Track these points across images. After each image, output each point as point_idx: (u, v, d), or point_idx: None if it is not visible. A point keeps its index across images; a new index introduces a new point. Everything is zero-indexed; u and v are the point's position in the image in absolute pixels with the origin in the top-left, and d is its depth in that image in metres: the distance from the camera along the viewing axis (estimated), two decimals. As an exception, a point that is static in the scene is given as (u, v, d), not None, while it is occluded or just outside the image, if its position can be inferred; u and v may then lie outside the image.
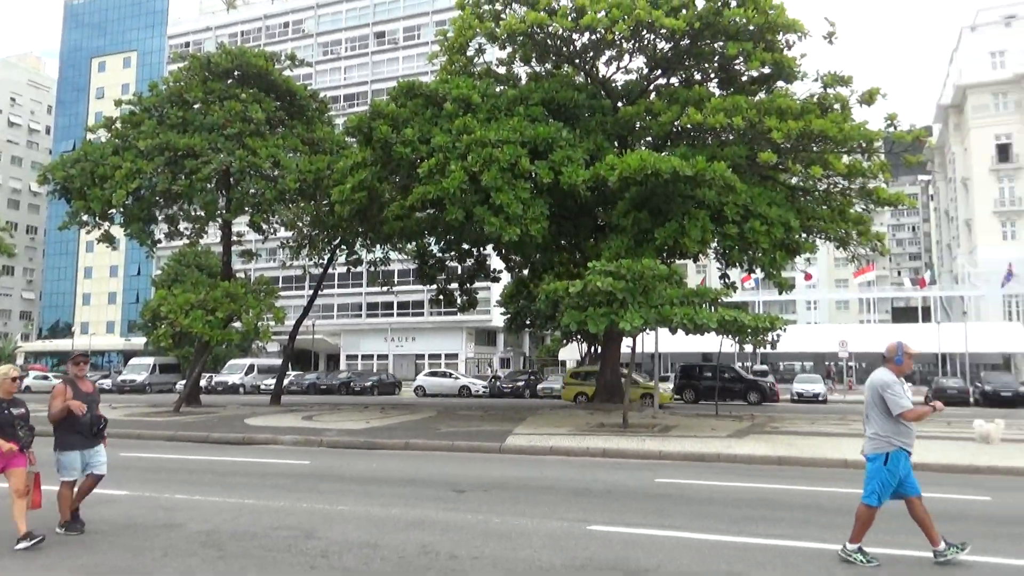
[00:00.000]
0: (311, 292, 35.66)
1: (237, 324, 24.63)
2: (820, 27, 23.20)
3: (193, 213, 29.59)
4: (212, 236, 34.16)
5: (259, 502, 9.28)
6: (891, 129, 22.33)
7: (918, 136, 22.14)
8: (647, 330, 18.33)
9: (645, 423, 19.51)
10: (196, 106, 27.51)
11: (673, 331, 17.46)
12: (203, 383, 36.98)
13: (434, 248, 30.23)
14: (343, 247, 31.61)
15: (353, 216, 23.22)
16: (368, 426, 19.50)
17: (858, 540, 6.57)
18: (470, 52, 26.38)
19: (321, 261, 34.32)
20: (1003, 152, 57.89)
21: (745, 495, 10.19)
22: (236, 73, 28.77)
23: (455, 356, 66.70)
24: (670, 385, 35.91)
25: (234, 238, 31.28)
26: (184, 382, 31.90)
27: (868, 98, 22.44)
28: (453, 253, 29.77)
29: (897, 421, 6.46)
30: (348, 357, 70.92)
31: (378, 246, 30.53)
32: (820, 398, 35.16)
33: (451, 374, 45.44)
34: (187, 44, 79.57)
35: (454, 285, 32.03)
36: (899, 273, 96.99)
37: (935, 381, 37.03)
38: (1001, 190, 57.61)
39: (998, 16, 61.54)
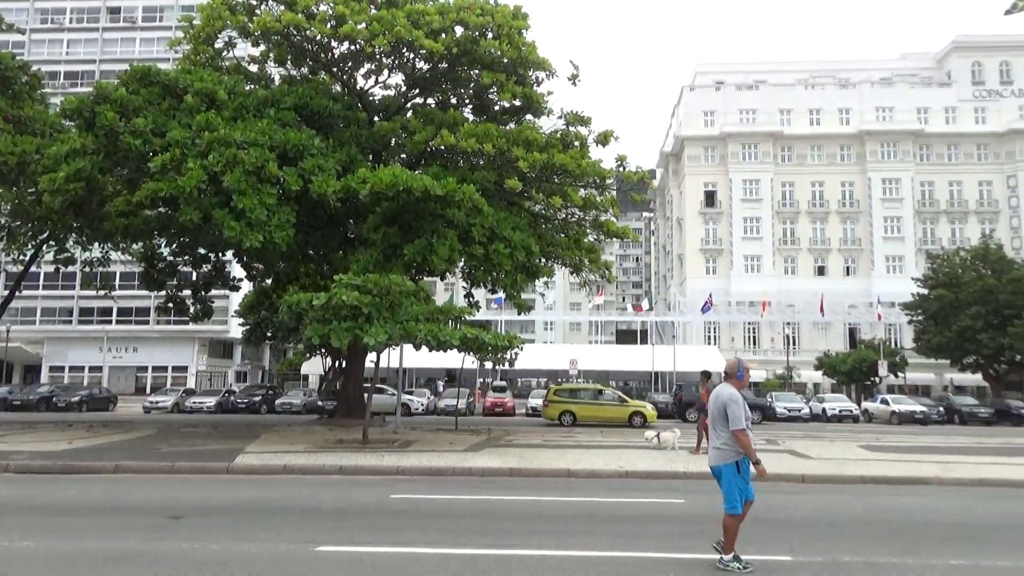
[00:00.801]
0: (7, 292, 30.76)
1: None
2: (566, 69, 25.01)
3: None
4: None
5: (-87, 541, 7.72)
6: (621, 169, 24.70)
7: (642, 178, 24.74)
8: (392, 345, 18.32)
9: (386, 439, 19.43)
10: None
11: (417, 347, 17.62)
12: None
13: (165, 251, 27.65)
14: (51, 243, 27.77)
15: (66, 209, 20.48)
16: (70, 447, 17.19)
17: (731, 549, 6.89)
18: (218, 44, 24.73)
19: (22, 257, 29.76)
20: (710, 198, 66.85)
21: (477, 507, 10.51)
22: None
23: (184, 369, 61.48)
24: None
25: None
26: None
27: (603, 139, 24.62)
28: (187, 257, 27.45)
29: (732, 435, 6.86)
30: (52, 369, 62.16)
31: (96, 244, 27.24)
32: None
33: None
34: None
35: (187, 292, 29.53)
36: (624, 299, 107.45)
37: (648, 396, 41.29)
38: (707, 231, 66.37)
39: (711, 80, 71.22)
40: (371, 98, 26.54)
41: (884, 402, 38.88)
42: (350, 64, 24.75)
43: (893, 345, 55.01)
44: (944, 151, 66.27)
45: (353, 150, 21.82)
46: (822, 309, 56.58)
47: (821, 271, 64.88)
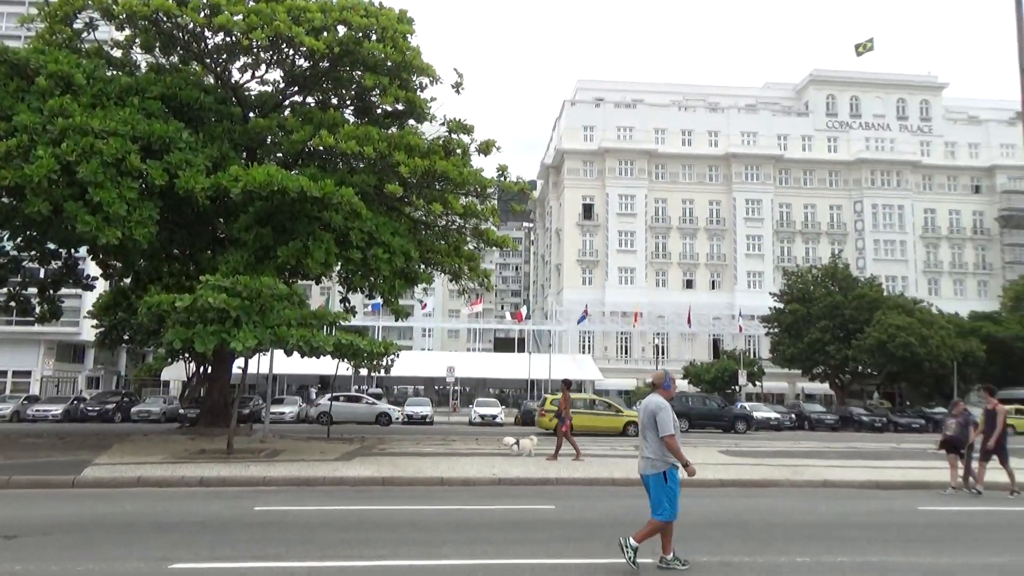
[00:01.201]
0: None
1: None
2: (451, 76, 25.04)
3: None
4: None
5: None
6: (502, 178, 24.95)
7: (523, 188, 25.10)
8: (262, 351, 17.62)
9: (252, 448, 18.64)
10: None
11: (288, 353, 17.03)
12: None
13: (7, 244, 25.35)
14: None
15: None
16: None
17: (669, 549, 7.25)
18: (78, 25, 23.01)
19: None
20: (587, 211, 68.76)
21: (348, 518, 10.25)
22: None
23: (28, 374, 56.55)
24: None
25: None
26: None
27: (485, 148, 24.80)
28: (34, 252, 25.29)
29: (661, 441, 7.11)
30: None
31: (-75, 235, 24.62)
32: (428, 420, 37.31)
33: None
34: None
35: (33, 290, 27.19)
36: (503, 307, 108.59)
37: (524, 404, 41.81)
38: (584, 242, 68.20)
39: (591, 96, 73.39)
40: (247, 93, 25.51)
41: (743, 409, 41.27)
42: (225, 56, 23.69)
43: (752, 356, 58.48)
44: (801, 176, 71.35)
45: (225, 146, 20.88)
46: (689, 321, 59.50)
47: (689, 284, 68.11)
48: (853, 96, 73.11)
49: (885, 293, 52.53)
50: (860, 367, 49.03)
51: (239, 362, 20.85)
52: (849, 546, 8.73)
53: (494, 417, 37.46)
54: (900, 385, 53.08)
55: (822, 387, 55.38)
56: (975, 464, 14.17)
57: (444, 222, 25.91)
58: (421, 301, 49.10)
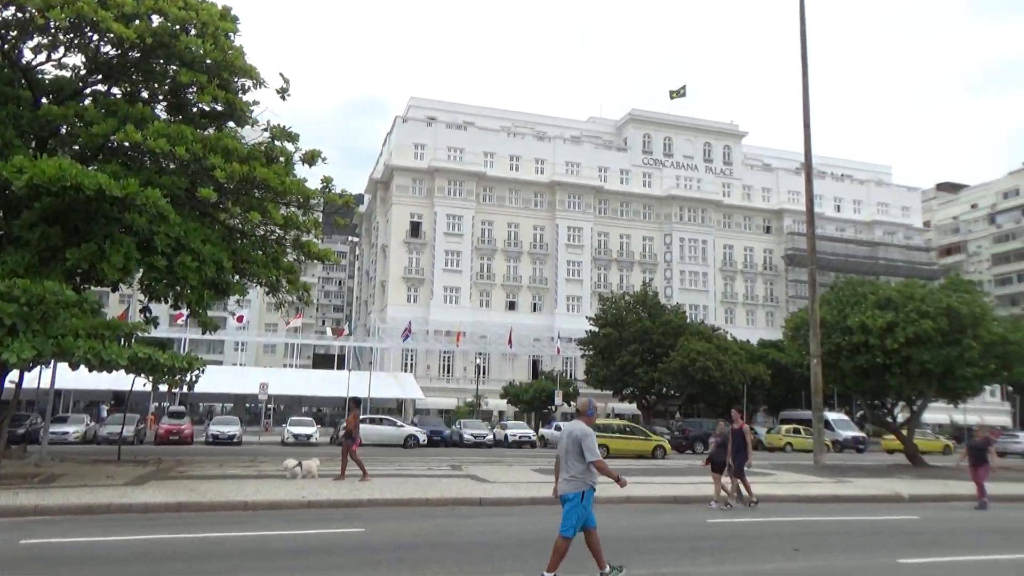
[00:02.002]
0: None
1: None
2: (277, 81, 24.08)
3: None
4: None
5: None
6: (327, 190, 24.22)
7: (347, 201, 24.47)
8: (43, 363, 15.79)
9: (24, 473, 16.62)
10: None
11: (74, 366, 15.39)
12: None
13: None
14: None
15: None
16: None
17: (555, 568, 7.48)
18: None
19: None
20: (415, 228, 68.66)
21: (133, 549, 9.36)
22: None
23: None
24: None
25: None
26: None
27: (310, 158, 23.94)
28: None
29: (589, 466, 7.53)
30: None
31: None
32: (235, 440, 35.24)
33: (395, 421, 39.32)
34: None
35: None
36: (323, 323, 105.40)
37: (340, 423, 40.65)
38: (410, 260, 67.96)
39: (423, 115, 73.63)
40: (40, 76, 22.97)
41: (559, 428, 42.69)
42: (15, 33, 21.23)
43: (568, 377, 60.91)
44: (618, 207, 75.75)
45: (10, 132, 18.65)
46: (511, 342, 60.90)
47: (512, 306, 69.83)
48: (667, 136, 78.94)
49: (688, 320, 56.78)
50: (665, 389, 52.52)
51: (13, 375, 18.59)
52: (648, 559, 9.21)
53: (308, 437, 36.06)
54: (699, 405, 57.39)
55: (631, 407, 58.63)
56: (726, 479, 15.51)
57: (263, 232, 24.66)
58: (234, 313, 46.28)
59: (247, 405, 53.63)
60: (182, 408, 42.67)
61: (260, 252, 24.76)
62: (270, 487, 15.45)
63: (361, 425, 19.32)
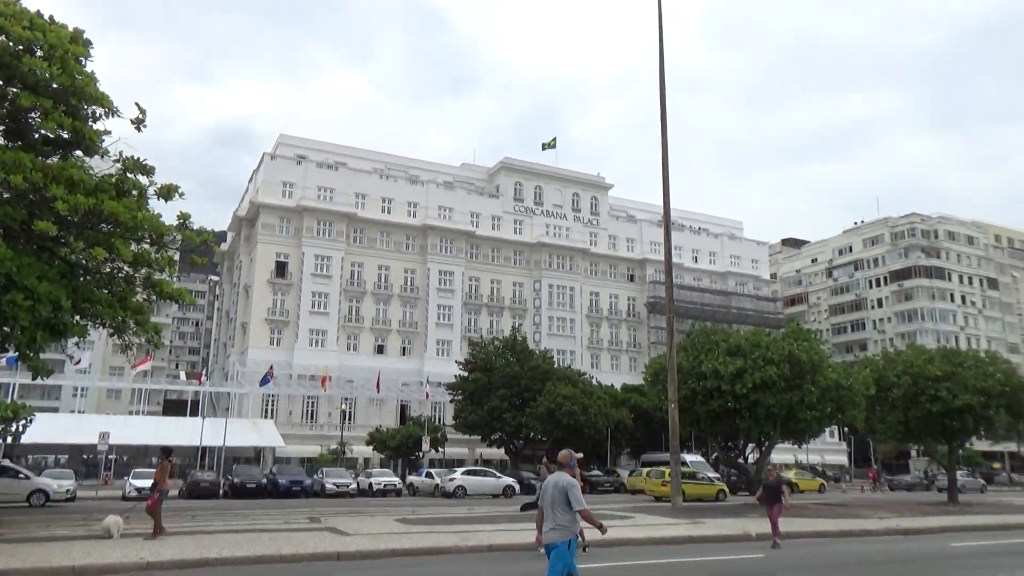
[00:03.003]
0: None
1: None
2: (132, 111, 22.85)
3: None
4: None
5: None
6: (184, 227, 22.98)
7: (205, 240, 23.33)
8: None
9: None
10: None
11: None
12: None
13: None
14: None
15: None
16: None
17: None
18: None
19: None
20: (281, 268, 66.38)
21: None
22: None
23: None
24: None
25: None
26: None
27: (166, 192, 22.69)
28: None
29: (575, 514, 7.87)
30: None
31: None
32: (69, 495, 32.14)
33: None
34: None
35: None
36: (177, 366, 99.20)
37: (191, 474, 38.15)
38: (275, 301, 65.48)
39: (294, 153, 71.97)
40: None
41: (428, 475, 41.91)
42: None
43: (437, 422, 60.19)
44: (489, 252, 76.70)
45: None
46: (378, 386, 59.63)
47: (380, 350, 68.61)
48: (537, 185, 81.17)
49: (556, 365, 57.84)
50: (532, 433, 52.96)
51: None
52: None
53: (67, 492, 33.47)
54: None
55: (499, 452, 58.63)
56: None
57: (109, 269, 23.04)
58: (72, 356, 42.65)
59: (85, 456, 49.22)
60: (7, 461, 38.56)
61: (106, 291, 23.07)
62: (103, 549, 14.15)
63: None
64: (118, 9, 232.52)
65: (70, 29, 21.55)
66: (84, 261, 22.71)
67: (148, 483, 33.79)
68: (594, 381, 56.91)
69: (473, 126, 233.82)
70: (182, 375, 66.96)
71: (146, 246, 22.57)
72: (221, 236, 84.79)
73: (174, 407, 63.73)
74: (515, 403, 52.10)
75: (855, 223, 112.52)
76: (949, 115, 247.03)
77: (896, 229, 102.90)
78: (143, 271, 22.86)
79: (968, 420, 33.79)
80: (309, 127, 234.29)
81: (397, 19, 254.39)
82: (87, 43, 22.06)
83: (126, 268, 22.70)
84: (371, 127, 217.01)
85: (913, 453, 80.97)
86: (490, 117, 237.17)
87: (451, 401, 57.50)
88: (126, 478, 36.20)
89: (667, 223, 29.85)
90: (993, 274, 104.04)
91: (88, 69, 21.67)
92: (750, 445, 36.51)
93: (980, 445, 68.13)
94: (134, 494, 32.82)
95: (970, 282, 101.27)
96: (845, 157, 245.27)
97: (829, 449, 78.12)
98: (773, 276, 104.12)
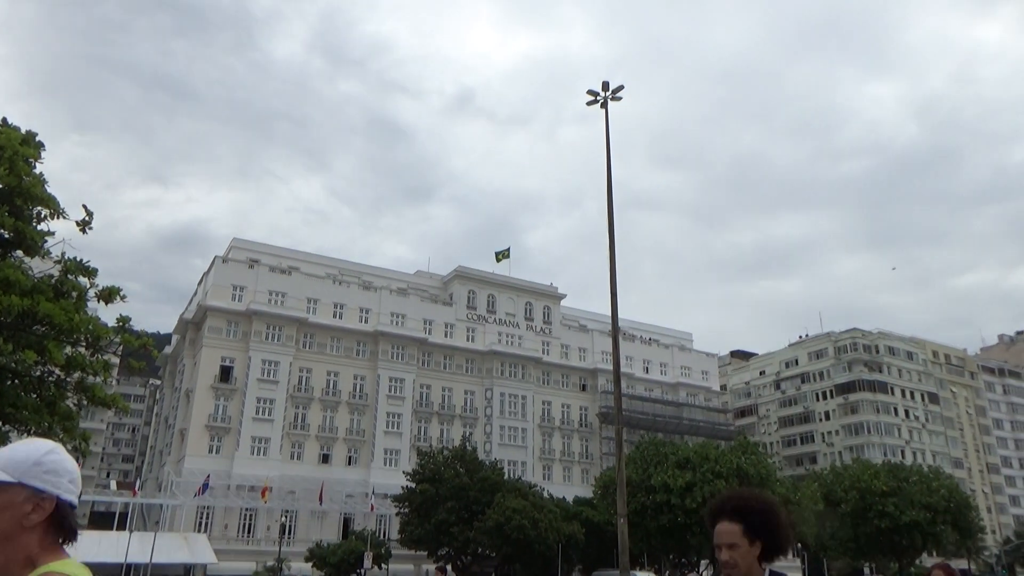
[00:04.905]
0: None
1: None
2: (79, 213, 22.65)
3: None
4: None
5: None
6: (123, 331, 22.38)
7: (145, 344, 22.70)
8: None
9: None
10: None
11: None
12: None
13: None
14: None
15: None
16: None
17: None
18: None
19: None
20: (225, 373, 64.59)
21: None
22: None
23: None
24: None
25: None
26: None
27: (107, 295, 22.20)
28: None
29: None
30: None
31: None
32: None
33: None
34: None
35: None
36: (108, 475, 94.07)
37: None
38: (217, 406, 63.32)
39: (245, 256, 71.62)
40: None
41: None
42: None
43: (382, 536, 57.72)
44: (442, 360, 76.12)
45: None
46: (321, 498, 57.21)
47: (326, 459, 66.34)
48: (490, 294, 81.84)
49: (507, 476, 56.48)
50: (480, 548, 51.01)
51: None
52: None
53: None
54: (515, 566, 56.06)
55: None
56: None
57: (40, 372, 22.14)
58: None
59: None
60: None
61: (35, 395, 22.07)
62: None
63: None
64: (80, 111, 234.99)
65: (22, 132, 21.60)
66: (13, 364, 21.84)
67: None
68: (545, 493, 55.62)
69: (428, 235, 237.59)
70: (113, 485, 63.37)
71: (82, 349, 21.84)
72: (166, 339, 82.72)
73: (101, 519, 59.98)
74: (463, 516, 50.41)
75: (800, 336, 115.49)
76: (881, 236, 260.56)
77: (839, 343, 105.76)
78: (76, 375, 22.02)
79: (916, 536, 33.79)
80: (263, 231, 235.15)
81: (358, 130, 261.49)
82: (39, 145, 22.04)
83: (57, 372, 21.87)
84: (326, 233, 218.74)
85: (867, 571, 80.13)
86: (445, 227, 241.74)
87: (397, 514, 55.40)
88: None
89: (615, 331, 30.15)
90: (933, 389, 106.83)
91: (38, 170, 21.58)
92: (703, 562, 35.70)
93: (932, 562, 67.87)
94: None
95: (912, 396, 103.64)
96: (786, 273, 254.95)
97: (784, 568, 76.55)
98: (723, 388, 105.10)
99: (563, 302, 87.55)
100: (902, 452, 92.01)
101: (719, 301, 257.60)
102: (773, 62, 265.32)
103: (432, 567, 14.62)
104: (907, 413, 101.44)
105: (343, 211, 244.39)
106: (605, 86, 29.33)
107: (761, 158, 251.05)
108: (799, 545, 71.20)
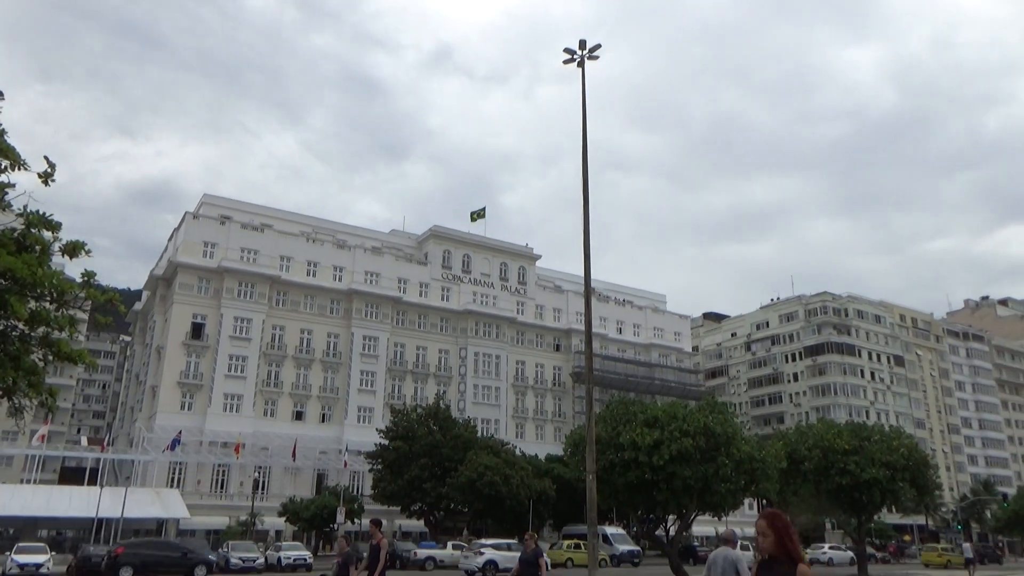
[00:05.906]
0: None
1: None
2: (40, 164, 22.00)
3: None
4: None
5: None
6: (88, 285, 22.03)
7: (111, 299, 22.35)
8: None
9: None
10: None
11: None
12: None
13: None
14: None
15: None
16: None
17: None
18: None
19: None
20: (197, 330, 64.07)
21: None
22: None
23: None
24: None
25: None
26: None
27: (72, 249, 21.63)
28: None
29: None
30: None
31: None
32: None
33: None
34: None
35: None
36: (79, 431, 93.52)
37: (82, 548, 35.53)
38: (188, 363, 62.94)
39: (217, 213, 70.55)
40: None
41: (457, 547, 40.11)
42: None
43: (356, 492, 58.23)
44: (416, 319, 76.15)
45: None
46: (294, 455, 57.47)
47: (299, 416, 66.49)
48: (466, 254, 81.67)
49: (480, 434, 57.07)
50: (453, 504, 51.74)
51: None
52: None
53: (38, 567, 31.03)
54: (487, 521, 56.98)
55: (418, 524, 56.94)
56: None
57: (2, 327, 21.80)
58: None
59: None
60: None
61: (-2, 350, 21.76)
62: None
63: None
64: (43, 59, 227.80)
65: (-20, 78, 20.93)
66: (-25, 319, 21.45)
67: (33, 559, 31.46)
68: (518, 451, 56.34)
69: (404, 194, 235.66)
70: (83, 440, 63.04)
71: (46, 304, 21.49)
72: (136, 295, 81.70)
73: (72, 475, 59.86)
74: (436, 473, 51.01)
75: (771, 299, 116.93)
76: (855, 201, 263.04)
77: (810, 306, 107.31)
78: (41, 330, 21.71)
79: (876, 493, 34.81)
80: (236, 187, 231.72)
81: (332, 84, 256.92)
82: (-2, 94, 21.39)
83: (21, 327, 21.54)
84: (300, 190, 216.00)
85: (828, 526, 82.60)
86: (421, 185, 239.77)
87: (370, 470, 55.90)
88: (8, 553, 33.45)
89: (588, 291, 30.28)
90: (899, 352, 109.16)
91: (-2, 120, 20.95)
92: (670, 517, 36.46)
93: (892, 518, 70.15)
94: (16, 571, 30.39)
95: (879, 359, 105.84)
96: (761, 237, 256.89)
97: (748, 522, 78.74)
98: (695, 349, 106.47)
99: (539, 263, 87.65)
100: (867, 413, 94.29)
101: (694, 263, 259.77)
102: (753, 20, 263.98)
103: (527, 537, 14.27)
104: (873, 375, 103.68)
105: (317, 167, 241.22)
106: (582, 45, 28.94)
107: (739, 120, 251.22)
108: (763, 501, 73.20)
